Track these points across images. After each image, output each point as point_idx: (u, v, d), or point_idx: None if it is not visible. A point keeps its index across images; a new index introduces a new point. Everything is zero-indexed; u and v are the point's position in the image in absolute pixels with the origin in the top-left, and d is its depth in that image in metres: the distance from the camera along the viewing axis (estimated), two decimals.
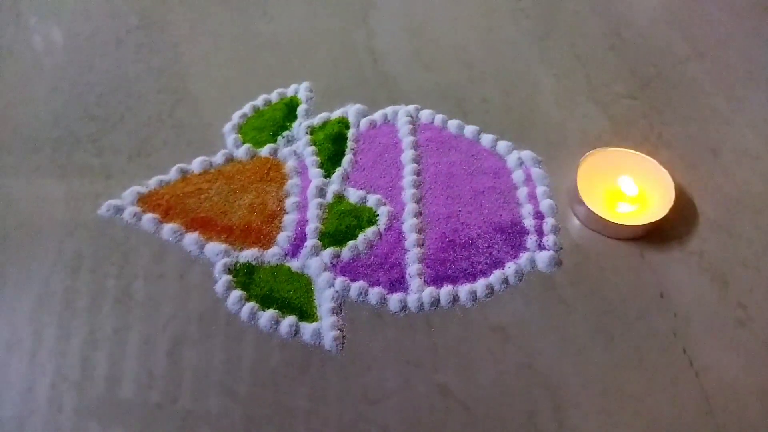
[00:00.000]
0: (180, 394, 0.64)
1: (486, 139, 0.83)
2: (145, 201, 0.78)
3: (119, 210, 0.77)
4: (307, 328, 0.68)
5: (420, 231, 0.75)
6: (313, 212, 0.77)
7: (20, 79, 0.90)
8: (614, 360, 0.66)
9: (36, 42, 0.96)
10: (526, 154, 0.82)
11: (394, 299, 0.70)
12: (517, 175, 0.80)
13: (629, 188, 0.74)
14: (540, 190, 0.78)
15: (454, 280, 0.72)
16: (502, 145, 0.83)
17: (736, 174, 0.80)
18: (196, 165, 0.81)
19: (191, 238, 0.74)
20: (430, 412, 0.63)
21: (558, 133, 0.85)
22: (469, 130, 0.84)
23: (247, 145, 0.83)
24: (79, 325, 0.69)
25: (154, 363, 0.66)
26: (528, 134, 0.84)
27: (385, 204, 0.78)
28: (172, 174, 0.80)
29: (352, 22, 0.99)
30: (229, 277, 0.72)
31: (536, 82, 0.90)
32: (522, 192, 0.78)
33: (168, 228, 0.75)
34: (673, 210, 0.73)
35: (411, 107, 0.87)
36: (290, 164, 0.82)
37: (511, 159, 0.81)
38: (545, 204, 0.77)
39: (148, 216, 0.76)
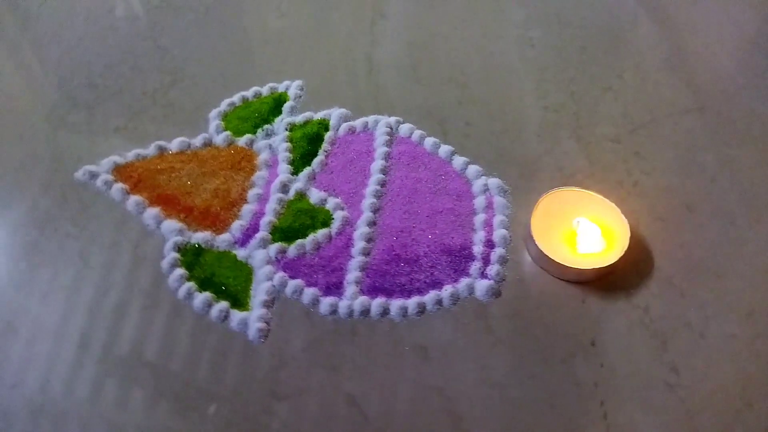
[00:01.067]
0: (106, 358, 0.68)
1: (458, 161, 0.84)
2: (120, 171, 0.82)
3: (94, 176, 0.81)
4: (236, 316, 0.70)
5: (369, 240, 0.76)
6: (271, 206, 0.79)
7: (39, 43, 0.96)
8: (528, 399, 0.65)
9: (59, 11, 1.02)
10: (494, 181, 0.81)
11: (326, 302, 0.71)
12: (479, 201, 0.80)
13: (586, 230, 0.73)
14: (498, 219, 0.78)
15: (389, 294, 0.72)
16: (472, 170, 0.83)
17: (706, 234, 0.78)
18: (174, 144, 0.85)
19: (152, 212, 0.78)
20: (331, 418, 0.64)
21: (533, 166, 0.84)
22: (444, 149, 0.85)
23: (227, 133, 0.86)
24: (30, 279, 0.73)
25: (93, 326, 0.70)
26: (502, 163, 0.84)
27: (342, 209, 0.79)
28: (151, 149, 0.84)
29: (359, 29, 1.01)
30: (177, 255, 0.75)
31: (524, 113, 0.90)
32: (479, 218, 0.78)
33: (133, 200, 0.79)
34: (627, 260, 0.72)
35: (392, 119, 0.88)
36: (263, 157, 0.84)
37: (478, 184, 0.81)
38: (499, 234, 0.77)
39: (118, 186, 0.80)
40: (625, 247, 0.72)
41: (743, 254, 0.75)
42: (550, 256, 0.71)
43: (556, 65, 0.96)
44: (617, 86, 0.93)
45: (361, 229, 0.77)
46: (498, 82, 0.94)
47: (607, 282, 0.73)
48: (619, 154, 0.85)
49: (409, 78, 0.94)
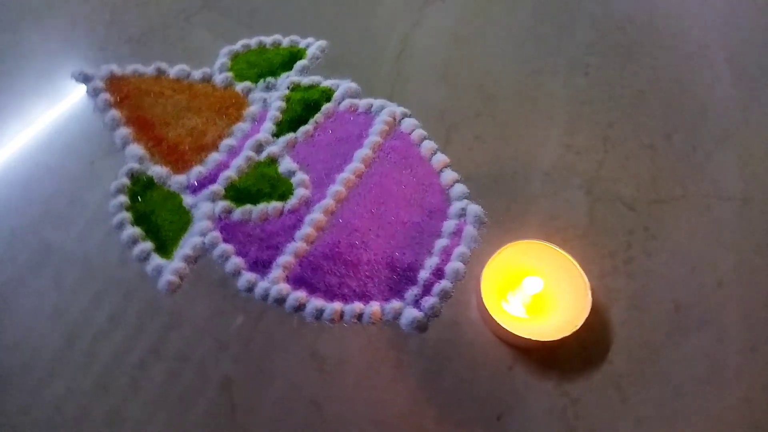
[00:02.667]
0: (15, 257, 0.68)
1: (448, 175, 0.76)
2: (113, 82, 0.81)
3: (87, 78, 0.81)
4: (155, 261, 0.68)
5: (319, 229, 0.71)
6: (238, 162, 0.76)
7: None
8: None
9: None
10: (474, 208, 0.74)
11: (246, 277, 0.68)
12: (449, 225, 0.73)
13: (530, 288, 0.65)
14: (459, 250, 0.71)
15: (312, 290, 0.68)
16: (458, 189, 0.75)
17: (684, 347, 0.67)
18: (174, 70, 0.82)
19: (123, 131, 0.76)
20: (199, 395, 0.61)
21: (526, 205, 0.75)
22: (439, 159, 0.78)
23: (228, 74, 0.82)
24: None
25: (21, 231, 0.70)
26: (495, 192, 0.76)
27: (306, 188, 0.74)
28: (150, 69, 0.82)
29: (409, 5, 0.93)
30: (128, 181, 0.73)
31: (543, 144, 0.80)
32: (441, 243, 0.71)
33: (111, 114, 0.78)
34: (578, 340, 0.63)
35: (399, 109, 0.81)
36: (252, 109, 0.80)
37: (457, 206, 0.74)
38: (452, 266, 0.70)
39: (105, 96, 0.79)
40: (575, 328, 0.63)
41: (716, 396, 0.64)
42: (488, 310, 0.64)
43: (601, 102, 0.85)
44: (661, 147, 0.81)
45: (315, 215, 0.72)
46: (529, 103, 0.84)
47: (546, 355, 0.65)
48: (627, 222, 0.75)
49: (436, 72, 0.87)
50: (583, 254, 0.71)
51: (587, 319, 0.63)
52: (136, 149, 0.75)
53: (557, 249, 0.67)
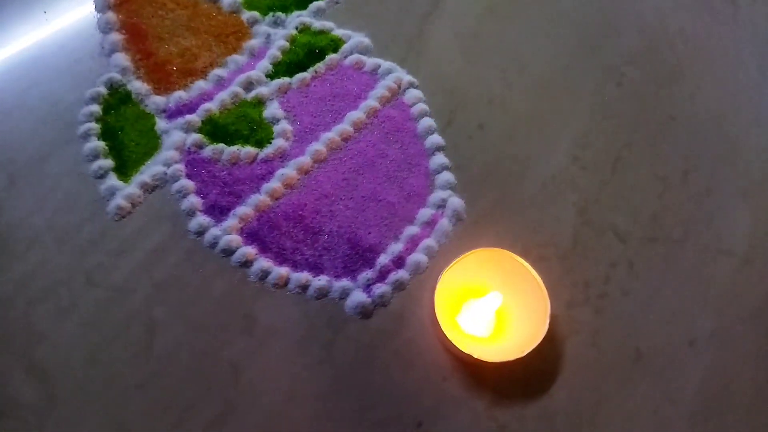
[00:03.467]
0: None
1: (437, 160, 0.71)
2: None
3: None
4: (110, 181, 0.65)
5: (287, 186, 0.67)
6: (223, 96, 0.71)
7: None
8: None
9: None
10: (455, 202, 0.69)
11: (199, 220, 0.65)
12: (424, 214, 0.68)
13: (487, 304, 0.61)
14: (427, 242, 0.67)
15: (264, 249, 0.64)
16: (445, 177, 0.70)
17: (631, 395, 0.63)
18: None
19: (113, 37, 0.72)
20: (120, 334, 0.59)
21: (512, 210, 0.70)
22: (433, 140, 0.72)
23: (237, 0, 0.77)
24: None
25: None
26: (484, 186, 0.71)
27: (287, 139, 0.70)
28: None
29: None
30: (104, 90, 0.69)
31: (549, 150, 0.74)
32: (410, 231, 0.67)
33: (107, 16, 0.73)
34: (523, 365, 0.60)
35: (406, 77, 0.75)
36: (253, 42, 0.75)
37: (438, 196, 0.69)
38: (415, 257, 0.66)
39: None
40: (522, 354, 0.59)
41: None
42: (436, 314, 0.60)
43: (626, 118, 0.77)
44: (674, 182, 0.74)
45: (287, 170, 0.68)
46: (548, 101, 0.78)
47: (485, 374, 0.62)
48: (613, 254, 0.69)
49: (460, 43, 0.80)
50: (556, 277, 0.66)
51: (540, 345, 0.59)
52: (122, 59, 0.71)
53: (527, 266, 0.62)
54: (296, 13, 0.77)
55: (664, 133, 0.77)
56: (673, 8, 0.85)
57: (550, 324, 0.58)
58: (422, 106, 0.74)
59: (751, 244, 0.71)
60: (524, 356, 0.58)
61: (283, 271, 0.63)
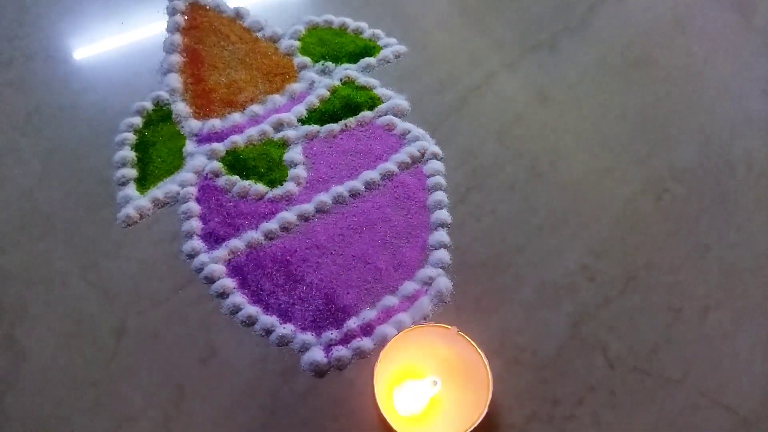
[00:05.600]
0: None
1: (438, 235, 0.70)
2: (193, 9, 0.83)
3: None
4: (128, 190, 0.70)
5: (284, 230, 0.70)
6: (251, 131, 0.75)
7: None
8: None
9: None
10: (442, 283, 0.68)
11: (192, 244, 0.68)
12: (407, 287, 0.68)
13: (425, 388, 0.59)
14: (401, 316, 0.66)
15: (243, 285, 0.67)
16: (439, 255, 0.69)
17: None
18: (249, 20, 0.82)
19: (173, 58, 0.78)
20: (94, 328, 0.64)
21: (500, 305, 0.68)
22: (440, 215, 0.72)
23: (295, 43, 0.81)
24: None
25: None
26: (476, 275, 0.69)
27: (298, 184, 0.72)
28: (229, 10, 0.83)
29: (512, 45, 0.85)
30: (150, 106, 0.75)
31: (560, 252, 0.71)
32: (388, 301, 0.67)
33: (173, 38, 0.80)
34: None
35: (432, 148, 0.76)
36: (296, 86, 0.79)
37: (426, 272, 0.68)
38: (383, 329, 0.65)
39: (178, 18, 0.81)
40: None
41: None
42: (374, 384, 0.59)
43: (654, 237, 0.72)
44: (688, 318, 0.68)
45: (288, 214, 0.70)
46: (572, 200, 0.74)
47: None
48: (595, 377, 0.65)
49: (498, 124, 0.79)
50: (525, 384, 0.63)
51: None
52: (175, 80, 0.77)
53: (485, 362, 0.59)
54: (345, 65, 0.80)
55: (693, 263, 0.71)
56: (743, 126, 0.78)
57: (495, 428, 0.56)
58: (439, 179, 0.74)
59: (757, 407, 0.63)
60: None
61: (253, 310, 0.65)
